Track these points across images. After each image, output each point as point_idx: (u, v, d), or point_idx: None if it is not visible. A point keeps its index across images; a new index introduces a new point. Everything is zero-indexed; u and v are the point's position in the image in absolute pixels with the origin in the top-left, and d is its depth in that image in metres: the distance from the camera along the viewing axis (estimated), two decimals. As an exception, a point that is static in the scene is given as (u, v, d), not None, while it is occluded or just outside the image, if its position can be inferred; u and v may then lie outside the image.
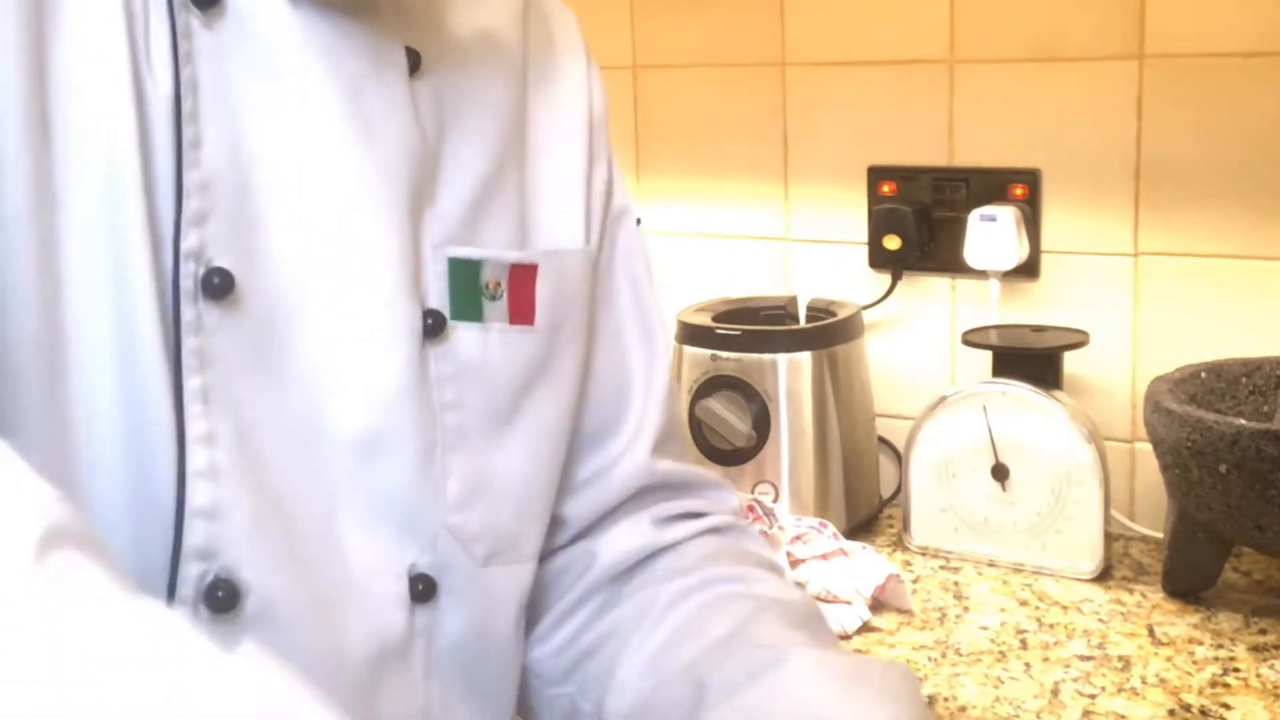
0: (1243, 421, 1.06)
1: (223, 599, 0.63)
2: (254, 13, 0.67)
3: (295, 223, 0.67)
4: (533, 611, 0.83)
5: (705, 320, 1.38)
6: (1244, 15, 1.25)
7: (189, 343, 0.63)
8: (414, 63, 0.73)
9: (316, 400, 0.68)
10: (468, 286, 0.74)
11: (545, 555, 0.83)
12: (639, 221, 0.89)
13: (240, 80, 0.66)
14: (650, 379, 0.85)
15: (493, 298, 0.75)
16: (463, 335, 0.74)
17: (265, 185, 0.66)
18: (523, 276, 0.77)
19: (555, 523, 0.82)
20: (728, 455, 1.33)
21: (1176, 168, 1.30)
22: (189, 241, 0.63)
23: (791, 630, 0.75)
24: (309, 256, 0.68)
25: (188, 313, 0.63)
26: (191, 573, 0.63)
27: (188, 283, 0.63)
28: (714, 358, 1.34)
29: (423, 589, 0.72)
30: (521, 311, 0.77)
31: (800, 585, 1.19)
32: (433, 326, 0.72)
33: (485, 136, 0.76)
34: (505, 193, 0.77)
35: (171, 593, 0.63)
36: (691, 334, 1.36)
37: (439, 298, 0.73)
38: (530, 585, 0.78)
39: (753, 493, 1.32)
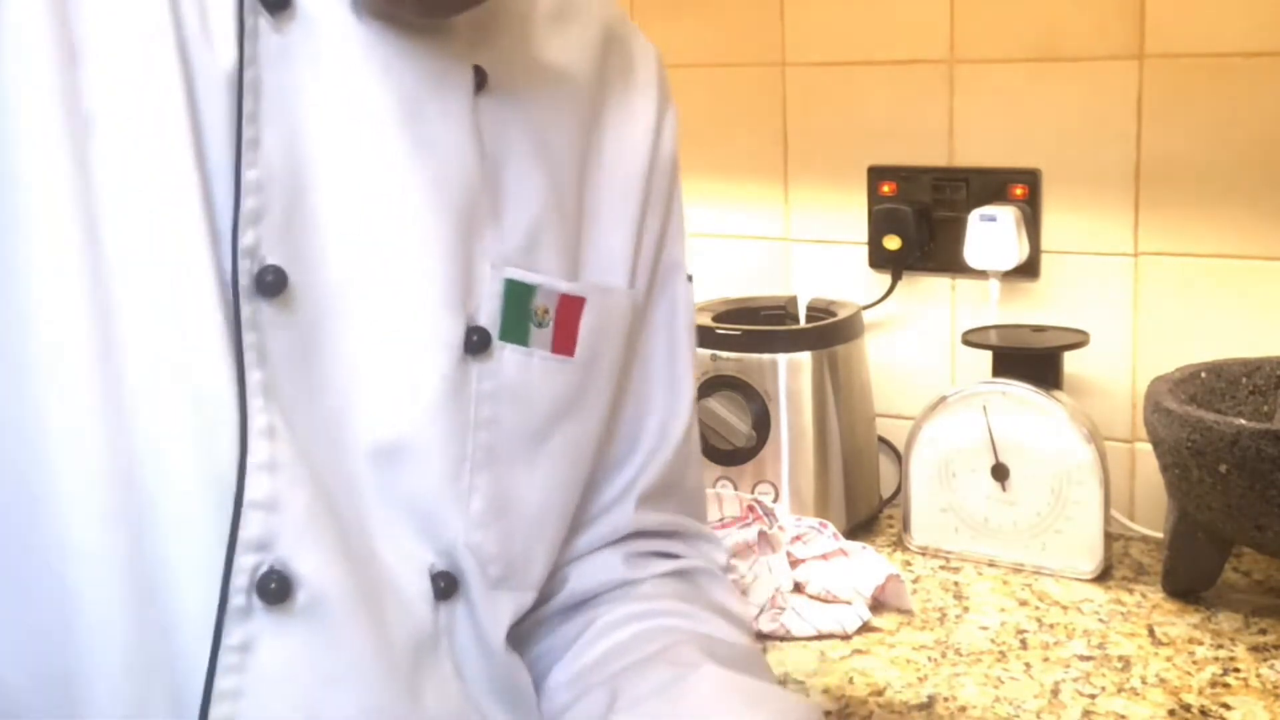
0: (1243, 421, 1.06)
1: (276, 590, 0.64)
2: (322, 20, 0.67)
3: (344, 227, 0.68)
4: None
5: (705, 320, 1.38)
6: (1244, 15, 1.25)
7: (249, 337, 0.64)
8: (480, 81, 0.73)
9: (348, 403, 0.68)
10: (518, 309, 0.74)
11: None
12: (690, 279, 0.89)
13: (302, 84, 0.66)
14: (662, 436, 0.86)
15: (540, 324, 0.76)
16: (508, 357, 0.74)
17: (318, 188, 0.67)
18: (571, 307, 0.77)
19: None
20: (728, 455, 1.33)
21: (1176, 168, 1.30)
22: (246, 239, 0.64)
23: (710, 660, 0.76)
24: (355, 261, 0.68)
25: (245, 308, 0.64)
26: (247, 563, 0.63)
27: (245, 279, 0.64)
28: (714, 358, 1.34)
29: (445, 586, 0.72)
30: (564, 341, 0.77)
31: (800, 585, 1.19)
32: (477, 343, 0.72)
33: (549, 162, 0.76)
34: (563, 221, 0.77)
35: (226, 582, 0.63)
36: (691, 334, 1.36)
37: (490, 316, 0.73)
38: (523, 614, 0.78)
39: (753, 493, 1.32)
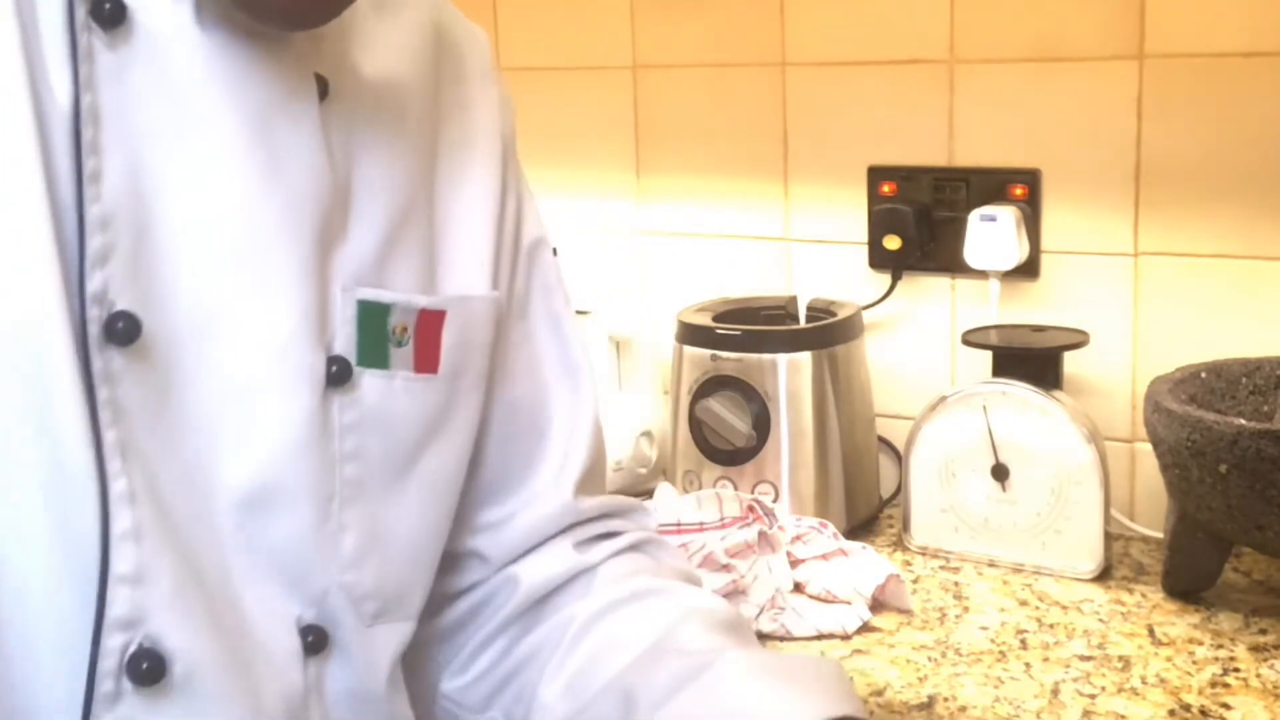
0: (1243, 421, 1.06)
1: (148, 670, 0.60)
2: (160, 34, 0.62)
3: (196, 261, 0.63)
4: (453, 642, 0.82)
5: (705, 320, 1.38)
6: (1244, 15, 1.25)
7: (102, 393, 0.60)
8: (323, 90, 0.69)
9: (209, 449, 0.64)
10: (375, 331, 0.70)
11: (468, 588, 0.81)
12: (555, 252, 0.86)
13: (143, 105, 0.62)
14: (575, 417, 0.83)
15: (399, 344, 0.72)
16: (368, 383, 0.70)
17: (166, 220, 0.62)
18: (430, 322, 0.73)
19: (476, 561, 0.81)
20: (728, 455, 1.33)
21: (1176, 168, 1.30)
22: (93, 284, 0.60)
23: (716, 635, 0.74)
24: (208, 298, 0.64)
25: (97, 361, 0.59)
26: (115, 644, 0.60)
27: (94, 328, 0.59)
28: (714, 358, 1.34)
29: (313, 640, 0.69)
30: (426, 359, 0.73)
31: (800, 585, 1.19)
32: (337, 374, 0.68)
33: (396, 170, 0.73)
34: (415, 231, 0.74)
35: (93, 665, 0.59)
36: (691, 334, 1.36)
37: (346, 342, 0.69)
38: (406, 645, 0.75)
39: (753, 493, 1.32)
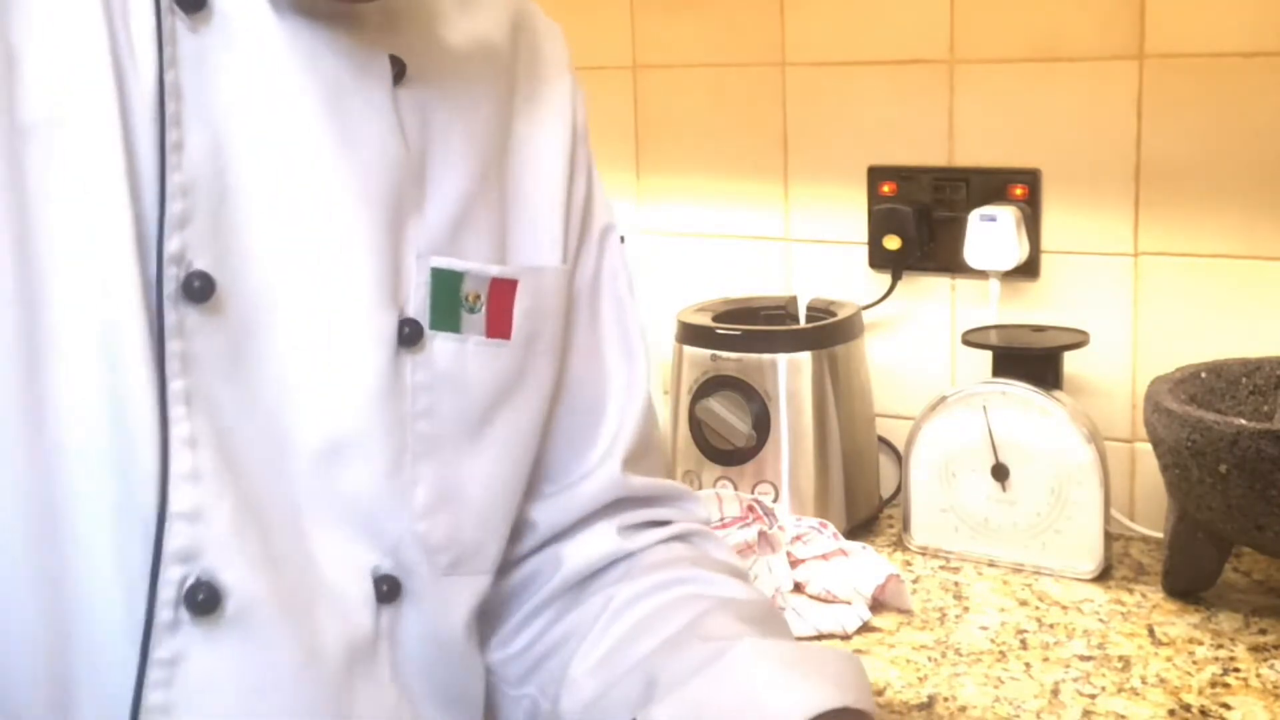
0: (1243, 421, 1.06)
1: (204, 601, 0.63)
2: (238, 18, 0.67)
3: (272, 227, 0.67)
4: (499, 616, 0.84)
5: (705, 320, 1.38)
6: (1244, 15, 1.25)
7: (172, 346, 0.63)
8: (399, 71, 0.73)
9: (287, 404, 0.68)
10: (448, 297, 0.74)
11: (513, 561, 0.83)
12: (623, 239, 0.90)
13: (222, 84, 0.66)
14: (629, 396, 0.86)
15: (471, 310, 0.76)
16: (440, 346, 0.74)
17: (244, 189, 0.66)
18: (503, 291, 0.77)
19: (524, 526, 0.83)
20: (728, 455, 1.33)
21: (1176, 168, 1.30)
22: (172, 245, 0.63)
23: (740, 624, 0.76)
24: (285, 261, 0.68)
25: (170, 316, 0.63)
26: (173, 576, 0.63)
27: (170, 286, 0.63)
28: (714, 358, 1.34)
29: (387, 589, 0.72)
30: (499, 325, 0.77)
31: (800, 585, 1.19)
32: (410, 335, 0.72)
33: (470, 149, 0.76)
34: (488, 206, 0.77)
35: (152, 595, 0.63)
36: (691, 334, 1.36)
37: (419, 306, 0.73)
38: (485, 596, 0.79)
39: (753, 493, 1.32)
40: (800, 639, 1.14)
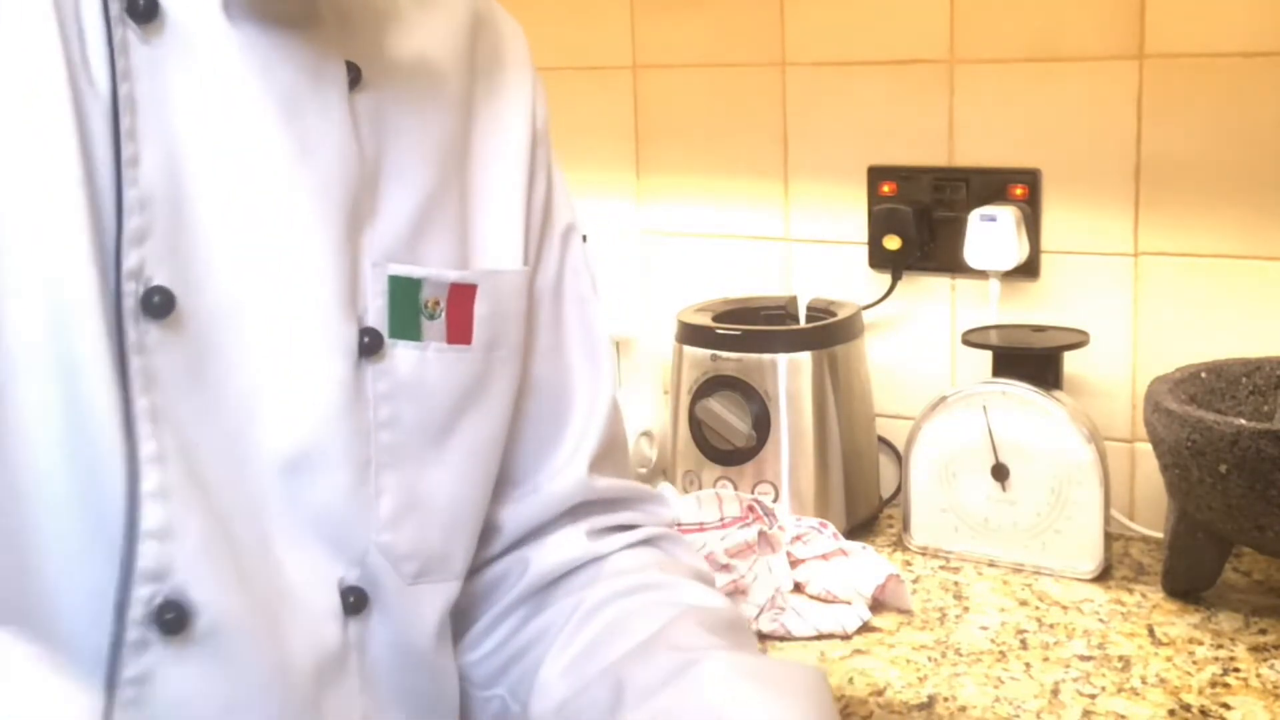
0: (1243, 421, 1.06)
1: (173, 620, 0.63)
2: (192, 27, 0.66)
3: (230, 239, 0.67)
4: (466, 618, 0.84)
5: (705, 320, 1.38)
6: (1244, 15, 1.25)
7: (134, 363, 0.63)
8: (354, 77, 0.72)
9: (249, 418, 0.67)
10: (407, 305, 0.74)
11: (481, 564, 0.83)
12: (585, 239, 0.90)
13: (177, 95, 0.65)
14: (593, 398, 0.86)
15: (431, 316, 0.75)
16: (400, 354, 0.73)
17: (201, 201, 0.66)
18: (462, 296, 0.76)
19: (491, 529, 0.83)
20: (728, 455, 1.33)
21: (1176, 168, 1.30)
22: (130, 260, 0.63)
23: (708, 634, 0.76)
24: (243, 273, 0.67)
25: (131, 333, 0.63)
26: (142, 594, 0.62)
27: (129, 302, 0.63)
28: (714, 358, 1.34)
29: (354, 601, 0.72)
30: (459, 331, 0.76)
31: (800, 585, 1.19)
32: (370, 345, 0.72)
33: (427, 153, 0.76)
34: (446, 210, 0.77)
35: (121, 615, 0.62)
36: (691, 334, 1.36)
37: (378, 315, 0.72)
38: (454, 602, 0.78)
39: (753, 493, 1.32)
40: (800, 639, 1.14)
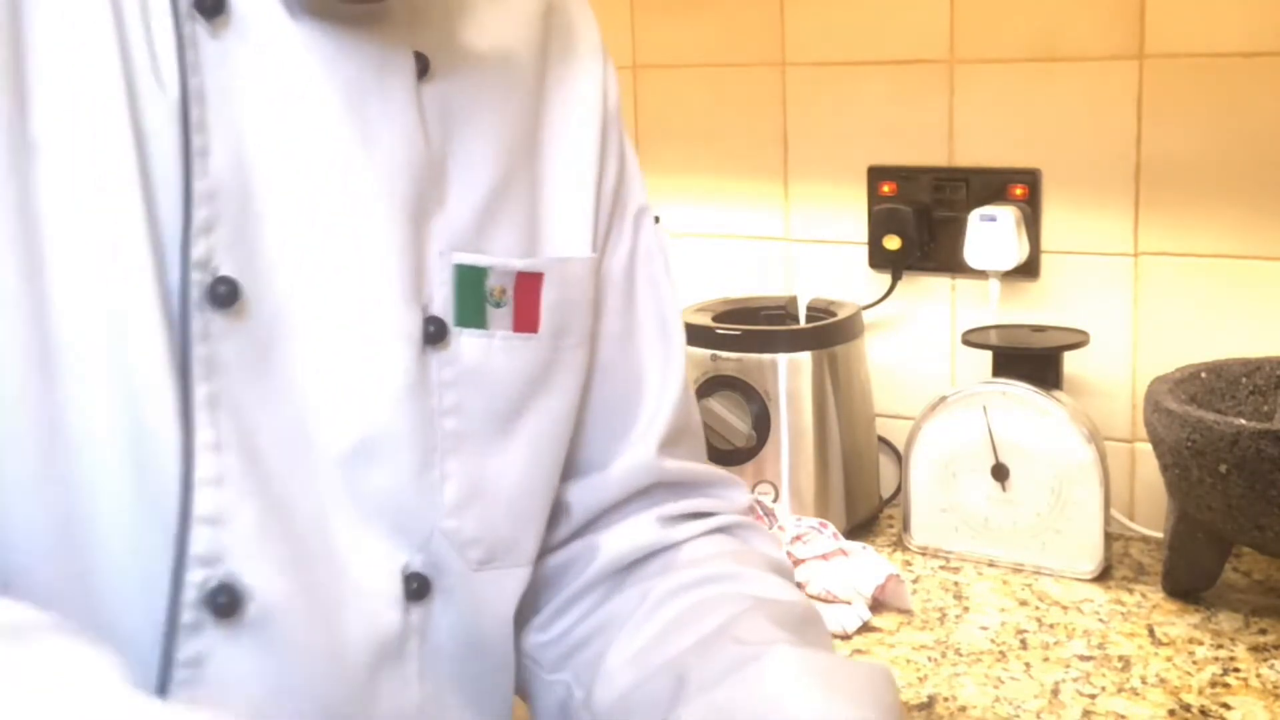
0: (1243, 421, 1.06)
1: (226, 604, 0.63)
2: (257, 22, 0.67)
3: (296, 230, 0.67)
4: (535, 601, 0.83)
5: (705, 320, 1.38)
6: (1244, 15, 1.25)
7: (197, 351, 0.63)
8: (423, 67, 0.72)
9: (313, 405, 0.68)
10: (473, 293, 0.74)
11: (550, 548, 0.83)
12: (657, 219, 0.89)
13: (243, 88, 0.66)
14: (665, 379, 0.85)
15: (497, 304, 0.75)
16: (466, 342, 0.73)
17: (266, 192, 0.66)
18: (529, 284, 0.76)
19: (559, 512, 0.83)
20: (728, 455, 1.33)
21: (1176, 168, 1.30)
22: (197, 251, 0.63)
23: (776, 629, 0.75)
24: (308, 263, 0.67)
25: (195, 322, 0.63)
26: (195, 578, 0.63)
27: (195, 292, 0.63)
28: (714, 358, 1.34)
29: (417, 587, 0.72)
30: (526, 319, 0.76)
31: (800, 585, 1.19)
32: (435, 333, 0.72)
33: (496, 142, 0.76)
34: (515, 199, 0.77)
35: (175, 598, 0.63)
36: (691, 334, 1.34)
37: (443, 304, 0.72)
38: (523, 589, 0.78)
39: (753, 493, 1.32)
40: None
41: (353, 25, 0.69)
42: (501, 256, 0.75)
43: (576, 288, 0.79)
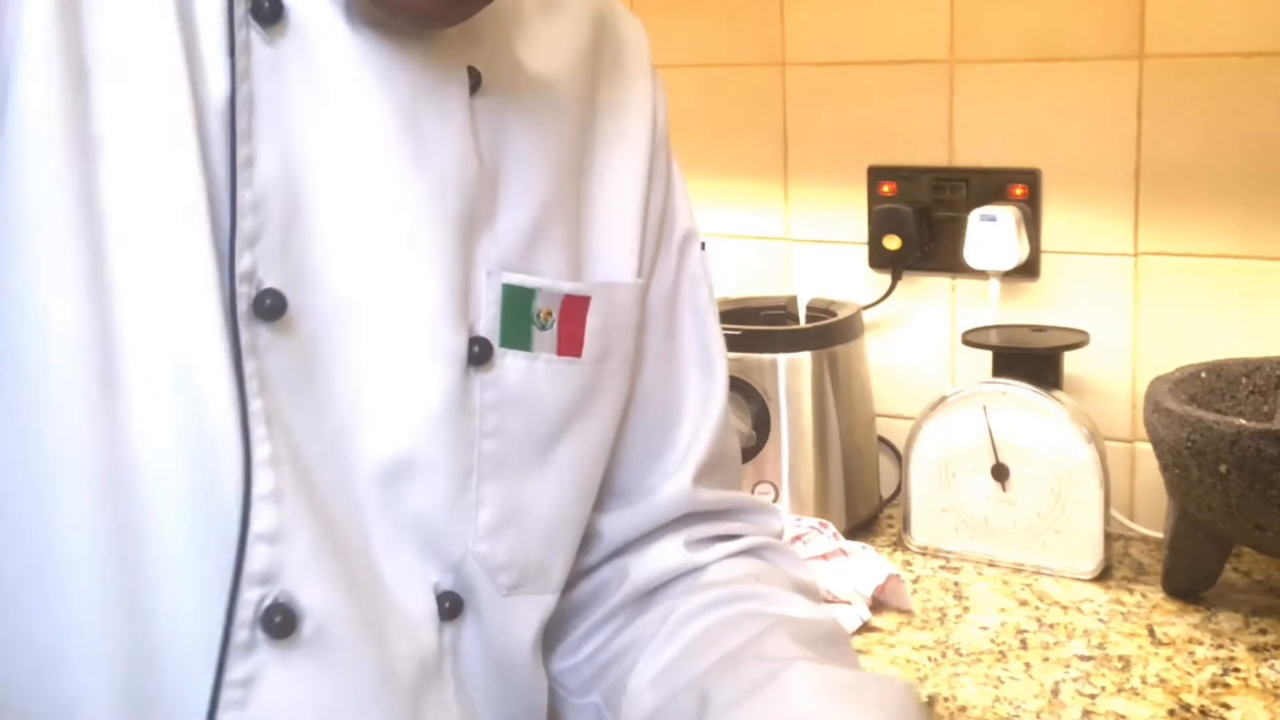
0: (1243, 421, 1.06)
1: (281, 624, 0.62)
2: (314, 30, 0.65)
3: (343, 243, 0.66)
4: (565, 625, 0.83)
5: (705, 320, 1.38)
6: (1244, 15, 1.25)
7: (249, 364, 0.62)
8: (475, 83, 0.71)
9: (354, 422, 0.67)
10: (519, 314, 0.73)
11: (580, 573, 0.83)
12: (703, 246, 0.88)
13: (295, 97, 0.65)
14: (705, 409, 0.84)
15: (543, 327, 0.74)
16: (510, 364, 0.72)
17: (315, 204, 0.65)
18: (575, 308, 0.75)
19: (592, 538, 0.82)
20: (728, 455, 1.33)
21: (1176, 168, 1.30)
22: (243, 263, 0.62)
23: (799, 646, 0.75)
24: (354, 279, 0.66)
25: (245, 335, 0.62)
26: (251, 596, 0.62)
27: (243, 304, 0.62)
28: (714, 358, 1.34)
29: (450, 606, 0.71)
30: (570, 343, 0.75)
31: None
32: (479, 354, 0.70)
33: (547, 161, 0.75)
34: (564, 220, 0.76)
35: (230, 616, 0.62)
36: (691, 334, 1.36)
37: (489, 324, 0.71)
38: (549, 615, 0.77)
39: (753, 493, 1.32)
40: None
41: (409, 38, 0.68)
42: (549, 278, 0.74)
43: (621, 313, 0.78)
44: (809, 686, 0.70)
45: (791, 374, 1.32)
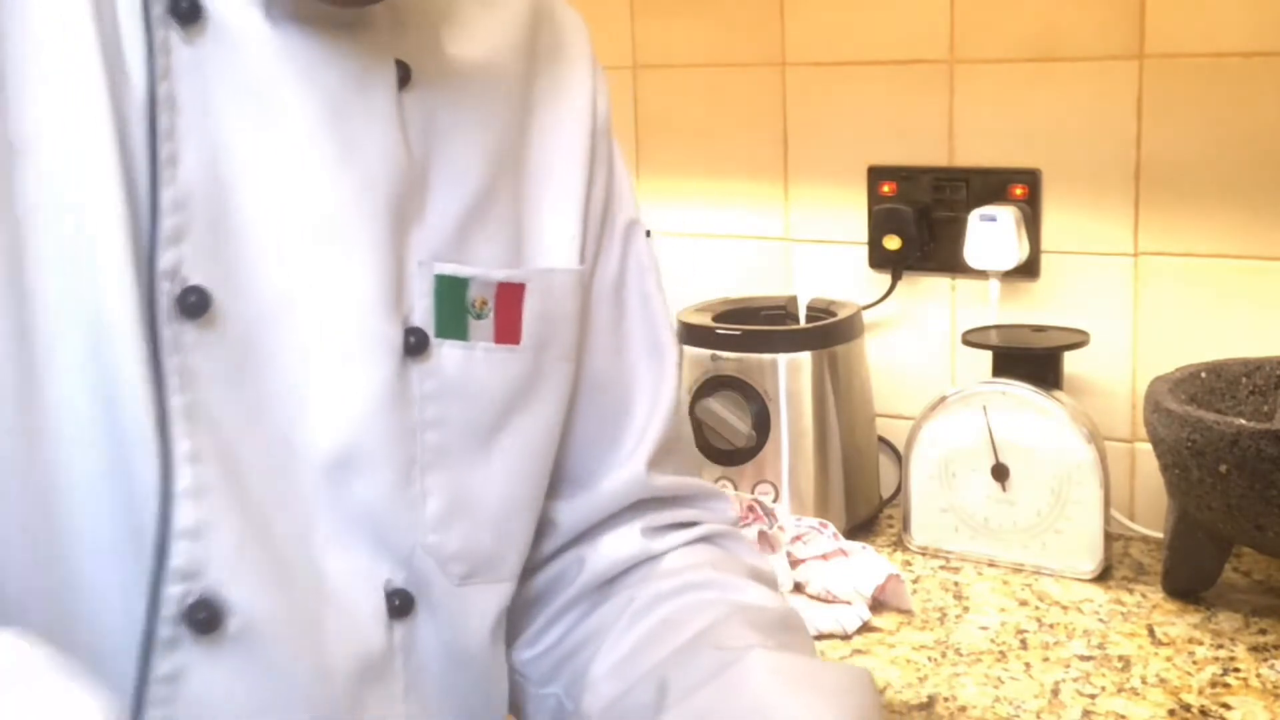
0: (1243, 421, 1.06)
1: (205, 620, 0.62)
2: (235, 29, 0.65)
3: (273, 239, 0.66)
4: (524, 616, 0.83)
5: (705, 320, 1.38)
6: (1244, 15, 1.25)
7: (170, 361, 0.62)
8: (404, 76, 0.71)
9: (292, 417, 0.67)
10: (453, 304, 0.73)
11: (538, 563, 0.83)
12: (649, 234, 0.88)
13: (218, 96, 0.65)
14: (656, 395, 0.84)
15: (479, 316, 0.74)
16: (447, 354, 0.72)
17: (243, 202, 0.65)
18: (510, 295, 0.75)
19: (547, 527, 0.82)
20: (728, 455, 1.33)
21: (1176, 168, 1.30)
22: (165, 260, 0.62)
23: (756, 633, 0.75)
24: (286, 273, 0.67)
25: (165, 332, 0.62)
26: (174, 593, 0.62)
27: (164, 301, 0.62)
28: (714, 358, 1.34)
29: (400, 604, 0.71)
30: (507, 330, 0.75)
31: (800, 585, 1.19)
32: (416, 344, 0.71)
33: (480, 151, 0.75)
34: (499, 209, 0.76)
35: (153, 613, 0.62)
36: (691, 334, 1.36)
37: (423, 315, 0.72)
38: (506, 604, 0.78)
39: (753, 493, 1.32)
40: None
41: (333, 33, 0.68)
42: (483, 267, 0.74)
43: (561, 300, 0.78)
44: (764, 674, 0.70)
45: (791, 374, 1.32)
